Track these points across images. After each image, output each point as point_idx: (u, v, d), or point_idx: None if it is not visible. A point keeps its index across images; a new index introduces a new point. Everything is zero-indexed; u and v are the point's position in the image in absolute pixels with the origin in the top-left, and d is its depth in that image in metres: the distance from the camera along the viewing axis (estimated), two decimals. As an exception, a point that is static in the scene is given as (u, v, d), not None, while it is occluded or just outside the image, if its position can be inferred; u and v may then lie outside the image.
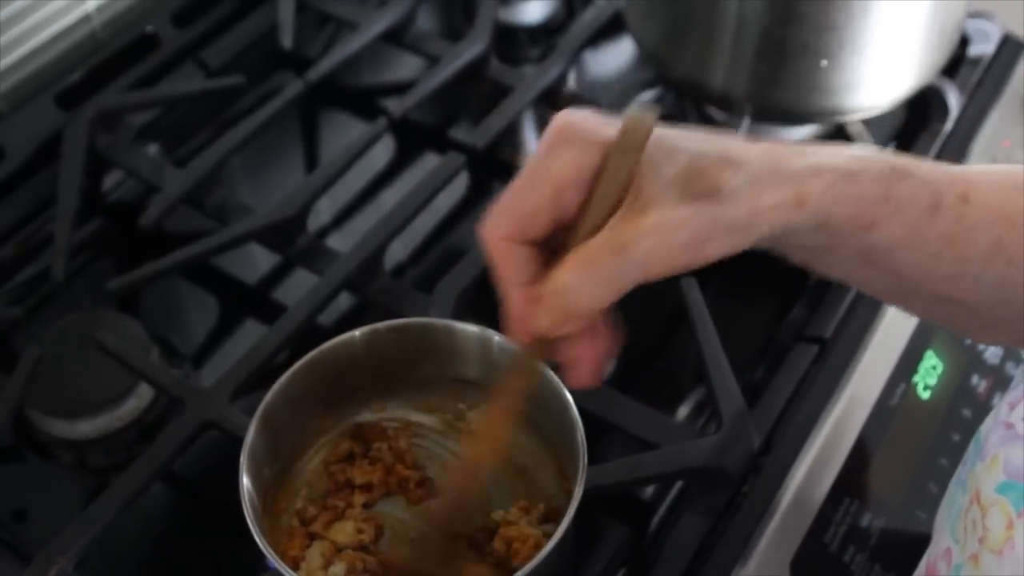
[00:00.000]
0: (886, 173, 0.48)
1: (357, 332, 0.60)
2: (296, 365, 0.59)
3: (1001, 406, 0.50)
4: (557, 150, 0.47)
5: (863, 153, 0.49)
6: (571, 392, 0.57)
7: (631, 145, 0.46)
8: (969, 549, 0.48)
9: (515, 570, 0.52)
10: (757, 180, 0.46)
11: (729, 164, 0.46)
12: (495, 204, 0.48)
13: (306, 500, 0.60)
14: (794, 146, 0.49)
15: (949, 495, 0.54)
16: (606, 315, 0.50)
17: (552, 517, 0.58)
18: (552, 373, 0.58)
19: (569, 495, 0.54)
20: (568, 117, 0.48)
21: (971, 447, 0.52)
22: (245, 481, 0.54)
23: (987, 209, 0.50)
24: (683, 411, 0.74)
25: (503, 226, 0.48)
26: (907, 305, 0.56)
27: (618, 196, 0.46)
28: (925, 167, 0.50)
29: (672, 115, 0.90)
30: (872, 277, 0.53)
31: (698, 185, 0.45)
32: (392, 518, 0.60)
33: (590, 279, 0.46)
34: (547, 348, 0.50)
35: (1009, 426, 0.48)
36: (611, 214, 0.46)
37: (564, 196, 0.47)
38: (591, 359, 0.51)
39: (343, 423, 0.62)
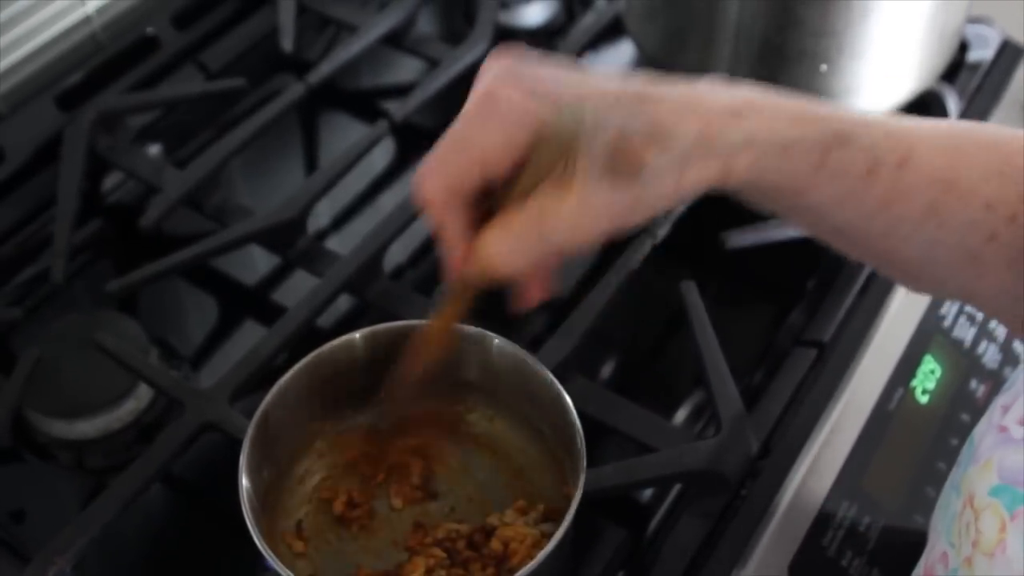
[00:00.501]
0: (824, 140, 0.49)
1: (357, 334, 0.60)
2: (296, 367, 0.59)
3: (994, 409, 0.50)
4: (485, 122, 0.48)
5: (807, 114, 0.50)
6: (571, 396, 0.57)
7: (562, 139, 0.47)
8: (964, 552, 0.48)
9: (513, 570, 0.53)
10: (683, 157, 0.48)
11: (657, 141, 0.47)
12: (424, 164, 0.50)
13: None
14: (737, 102, 0.49)
15: (943, 498, 0.54)
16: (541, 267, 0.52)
17: (551, 517, 0.58)
18: (551, 376, 0.58)
19: (568, 498, 0.54)
20: (498, 89, 0.48)
21: (964, 450, 0.52)
22: (244, 482, 0.54)
23: (925, 173, 0.51)
24: (682, 415, 0.74)
25: (435, 187, 0.50)
26: (845, 252, 0.57)
27: (547, 172, 0.48)
28: (869, 129, 0.51)
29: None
30: (807, 225, 0.55)
31: (622, 164, 0.47)
32: (377, 516, 0.60)
33: (510, 246, 0.49)
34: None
35: (1003, 429, 0.48)
36: (539, 181, 0.48)
37: (489, 165, 0.48)
38: (528, 291, 0.54)
39: (342, 425, 0.62)
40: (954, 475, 0.53)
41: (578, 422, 0.56)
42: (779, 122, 0.49)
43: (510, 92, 0.48)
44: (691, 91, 0.49)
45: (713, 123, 0.48)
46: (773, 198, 0.52)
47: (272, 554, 0.52)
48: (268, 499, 0.58)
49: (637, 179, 0.47)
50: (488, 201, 0.50)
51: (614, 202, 0.47)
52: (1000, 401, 0.50)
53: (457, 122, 0.50)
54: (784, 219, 0.56)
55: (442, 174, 0.50)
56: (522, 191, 0.48)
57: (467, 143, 0.49)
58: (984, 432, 0.50)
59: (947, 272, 0.54)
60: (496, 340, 0.59)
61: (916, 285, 0.59)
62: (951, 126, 0.54)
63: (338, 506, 0.59)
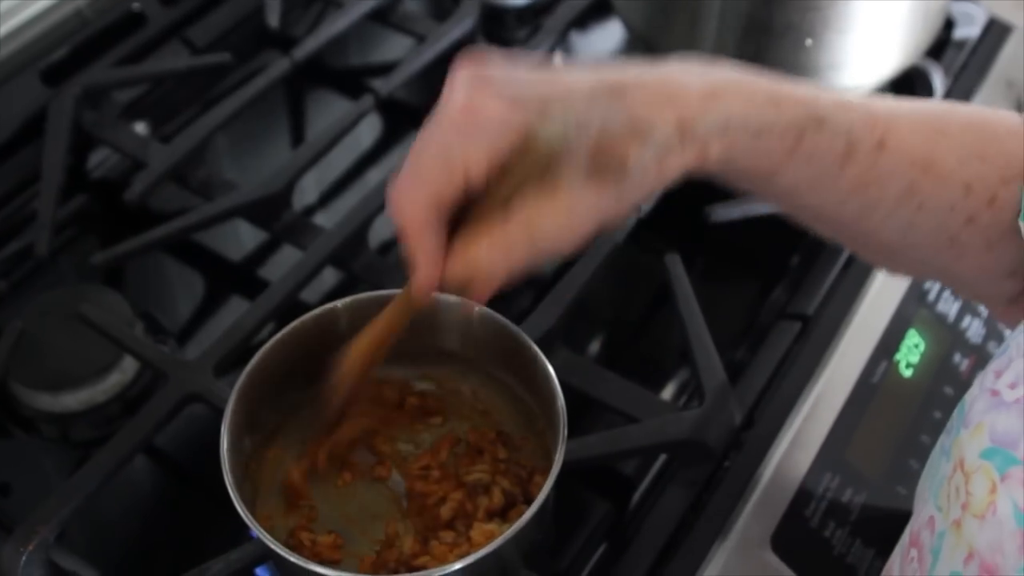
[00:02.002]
0: (800, 123, 0.49)
1: (339, 303, 0.60)
2: (278, 335, 0.59)
3: (987, 374, 0.50)
4: (466, 135, 0.47)
5: (784, 96, 0.50)
6: (555, 368, 0.57)
7: (550, 146, 0.47)
8: (952, 516, 0.48)
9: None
10: (664, 147, 0.48)
11: (637, 136, 0.47)
12: (403, 175, 0.48)
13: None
14: (714, 83, 0.49)
15: (931, 464, 0.54)
16: None
17: (511, 502, 0.58)
18: (532, 344, 0.58)
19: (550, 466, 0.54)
20: (477, 99, 0.47)
21: (954, 415, 0.52)
22: (226, 448, 0.54)
23: (903, 155, 0.51)
24: (668, 390, 0.74)
25: (414, 202, 0.48)
26: (822, 234, 0.57)
27: (530, 176, 0.47)
28: (847, 112, 0.51)
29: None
30: (781, 206, 0.55)
31: (606, 164, 0.47)
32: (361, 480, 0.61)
33: (503, 259, 0.48)
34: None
35: (995, 393, 0.48)
36: (522, 185, 0.47)
37: (472, 177, 0.47)
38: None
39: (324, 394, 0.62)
40: (943, 441, 0.53)
41: (559, 389, 0.56)
42: (755, 104, 0.49)
43: (490, 102, 0.47)
44: (666, 76, 0.49)
45: (690, 109, 0.48)
46: (746, 179, 0.52)
47: (254, 521, 0.52)
48: (250, 468, 0.58)
49: (621, 176, 0.47)
50: (456, 211, 0.49)
51: (600, 202, 0.48)
52: (992, 366, 0.50)
53: (433, 132, 0.48)
54: (760, 199, 0.56)
55: (421, 190, 0.48)
56: (504, 196, 0.48)
57: (448, 156, 0.47)
58: (976, 397, 0.50)
59: (925, 254, 0.54)
60: (478, 309, 0.59)
61: (893, 267, 0.59)
62: (932, 107, 0.54)
63: (321, 471, 0.59)
